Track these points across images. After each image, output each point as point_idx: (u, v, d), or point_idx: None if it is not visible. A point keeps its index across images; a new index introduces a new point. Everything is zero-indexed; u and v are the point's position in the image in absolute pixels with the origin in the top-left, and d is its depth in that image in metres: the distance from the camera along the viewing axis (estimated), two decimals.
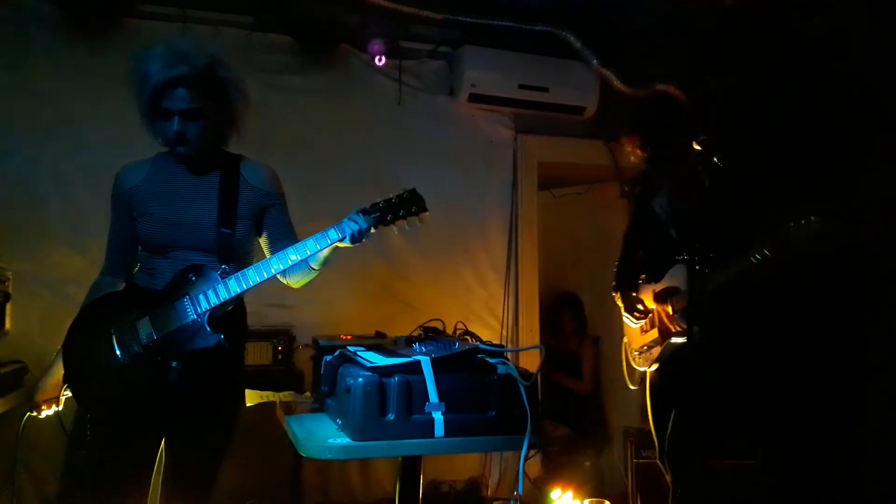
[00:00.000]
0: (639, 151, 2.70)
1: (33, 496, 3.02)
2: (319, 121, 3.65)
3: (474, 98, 3.80)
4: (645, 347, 2.72)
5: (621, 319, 2.90)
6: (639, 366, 2.75)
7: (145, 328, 1.86)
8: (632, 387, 2.81)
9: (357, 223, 1.94)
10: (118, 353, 1.85)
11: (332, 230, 1.94)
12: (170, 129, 1.88)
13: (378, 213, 1.97)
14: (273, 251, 2.06)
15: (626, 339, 2.86)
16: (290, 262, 1.92)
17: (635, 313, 2.72)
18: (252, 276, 1.90)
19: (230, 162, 2.04)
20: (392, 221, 1.98)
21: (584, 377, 4.48)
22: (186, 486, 1.95)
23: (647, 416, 4.52)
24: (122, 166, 2.03)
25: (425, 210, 2.01)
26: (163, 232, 1.93)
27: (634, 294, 2.75)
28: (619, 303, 2.82)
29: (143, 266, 1.99)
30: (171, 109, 1.87)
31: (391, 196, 2.00)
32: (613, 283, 2.90)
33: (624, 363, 2.85)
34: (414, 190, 2.02)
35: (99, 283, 2.04)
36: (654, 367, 2.65)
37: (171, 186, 1.97)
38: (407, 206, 1.99)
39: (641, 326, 2.74)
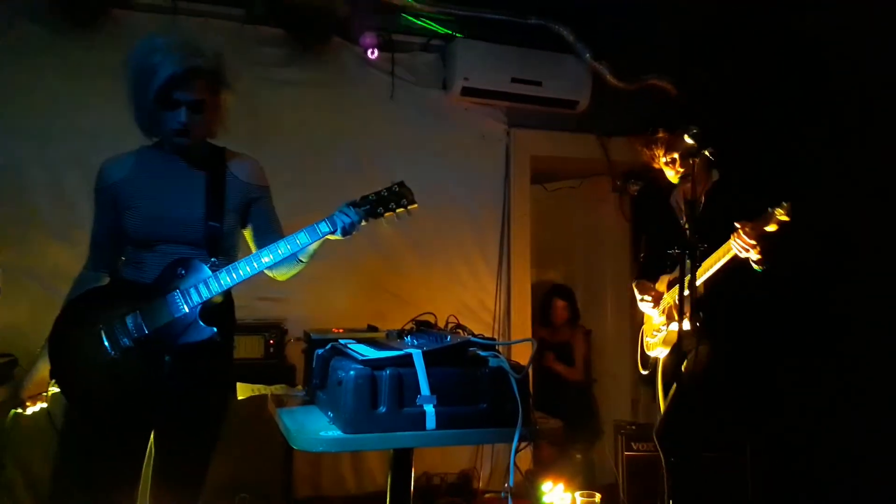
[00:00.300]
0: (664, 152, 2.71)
1: (24, 491, 3.01)
2: (311, 114, 3.64)
3: (467, 92, 3.80)
4: (655, 333, 2.82)
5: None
6: (650, 350, 2.85)
7: (136, 323, 1.84)
8: (643, 372, 2.89)
9: (348, 216, 1.95)
10: (108, 348, 1.83)
11: (324, 223, 1.95)
12: (174, 120, 1.87)
13: (368, 206, 1.99)
14: (258, 244, 2.06)
15: (644, 327, 2.95)
16: (280, 255, 1.92)
17: (646, 297, 2.82)
18: (243, 269, 1.90)
19: (216, 155, 2.03)
20: (382, 214, 2.00)
21: (576, 365, 4.51)
22: (178, 480, 1.94)
23: (637, 409, 4.56)
24: (104, 160, 2.00)
25: (414, 202, 2.03)
26: (150, 226, 1.91)
27: (649, 283, 2.85)
28: (636, 290, 2.91)
29: (130, 260, 1.96)
30: (181, 100, 1.86)
31: (381, 189, 2.02)
32: (635, 275, 2.98)
33: (639, 349, 2.93)
34: (402, 182, 2.04)
35: (83, 278, 2.01)
36: (665, 350, 2.74)
37: (158, 180, 1.95)
38: (396, 198, 2.01)
39: (658, 313, 2.83)
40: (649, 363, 2.86)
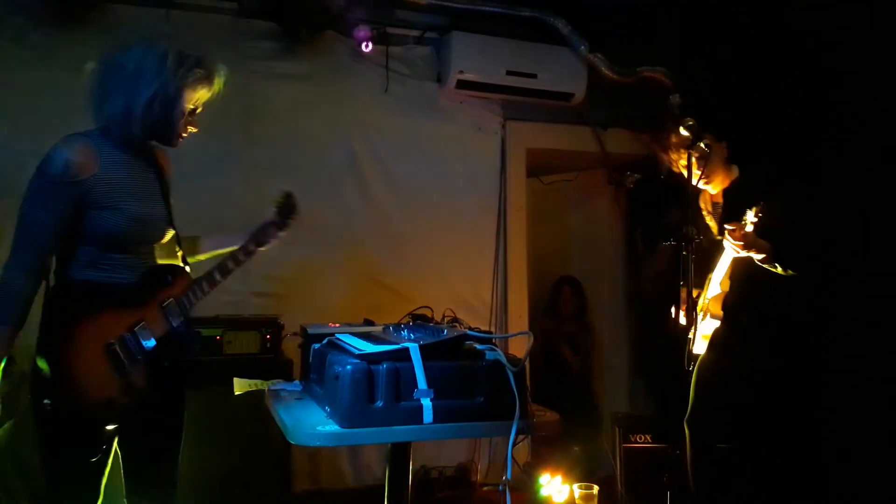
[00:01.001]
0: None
1: (23, 489, 3.00)
2: (305, 108, 3.62)
3: (462, 85, 3.78)
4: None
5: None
6: (692, 346, 2.84)
7: (144, 334, 1.85)
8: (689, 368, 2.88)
9: (277, 235, 2.24)
10: (125, 364, 1.82)
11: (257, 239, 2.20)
12: (184, 128, 1.92)
13: (284, 221, 2.25)
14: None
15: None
16: (240, 265, 2.13)
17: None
18: (217, 276, 2.06)
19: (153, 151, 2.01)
20: (287, 227, 2.27)
21: (579, 353, 4.56)
22: (158, 480, 1.97)
23: (635, 401, 4.57)
24: (64, 147, 1.79)
25: (297, 213, 2.31)
26: (133, 228, 1.85)
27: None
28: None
29: (93, 261, 1.83)
30: (196, 111, 1.93)
31: (284, 201, 2.27)
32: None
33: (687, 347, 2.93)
34: (293, 194, 2.30)
35: (16, 287, 1.75)
36: (704, 343, 2.77)
37: (134, 179, 1.88)
38: (293, 209, 2.28)
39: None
40: (691, 359, 2.87)
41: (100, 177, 1.80)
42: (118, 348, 1.81)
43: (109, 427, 1.84)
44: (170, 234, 1.99)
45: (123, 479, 1.92)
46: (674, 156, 2.77)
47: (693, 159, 2.68)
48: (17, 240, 1.78)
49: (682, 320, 2.81)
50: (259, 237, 2.19)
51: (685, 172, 2.79)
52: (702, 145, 2.66)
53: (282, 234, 2.27)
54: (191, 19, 3.34)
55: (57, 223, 1.78)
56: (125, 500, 1.93)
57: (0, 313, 1.74)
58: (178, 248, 2.04)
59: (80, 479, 1.82)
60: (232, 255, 2.13)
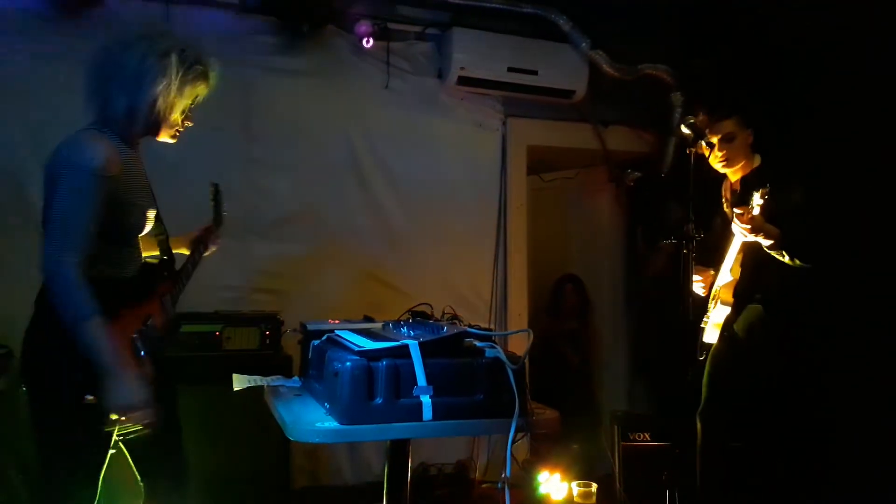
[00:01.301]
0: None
1: (23, 487, 3.00)
2: (305, 103, 3.61)
3: (463, 81, 3.77)
4: (706, 319, 2.87)
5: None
6: (704, 336, 2.87)
7: (152, 326, 1.90)
8: (700, 358, 2.90)
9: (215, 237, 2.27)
10: (141, 356, 1.85)
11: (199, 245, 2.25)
12: (182, 124, 1.94)
13: (217, 215, 2.30)
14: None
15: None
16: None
17: (697, 278, 2.85)
18: (192, 271, 2.12)
19: None
20: (221, 222, 2.31)
21: (579, 351, 4.56)
22: (177, 463, 2.02)
23: (634, 399, 4.57)
24: (96, 143, 1.77)
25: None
26: (142, 223, 1.90)
27: (706, 268, 2.87)
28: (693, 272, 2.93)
29: (108, 257, 1.82)
30: (193, 107, 1.94)
31: (218, 197, 2.31)
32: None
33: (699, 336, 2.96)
34: (218, 185, 2.34)
35: (83, 280, 1.70)
36: (715, 332, 2.79)
37: (139, 174, 1.90)
38: (221, 200, 2.31)
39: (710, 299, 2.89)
40: (703, 348, 2.88)
41: (123, 173, 1.81)
42: (139, 342, 1.84)
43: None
44: (150, 224, 1.99)
45: (138, 474, 1.96)
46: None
47: (714, 141, 2.70)
48: (66, 235, 1.70)
49: (700, 291, 2.83)
50: (200, 243, 2.22)
51: (706, 154, 2.80)
52: (703, 143, 2.67)
53: (219, 240, 2.27)
54: (191, 14, 3.33)
55: (95, 214, 1.73)
56: (142, 484, 1.97)
57: (89, 307, 1.68)
58: (163, 241, 2.04)
59: (86, 475, 1.82)
60: (196, 249, 2.20)
